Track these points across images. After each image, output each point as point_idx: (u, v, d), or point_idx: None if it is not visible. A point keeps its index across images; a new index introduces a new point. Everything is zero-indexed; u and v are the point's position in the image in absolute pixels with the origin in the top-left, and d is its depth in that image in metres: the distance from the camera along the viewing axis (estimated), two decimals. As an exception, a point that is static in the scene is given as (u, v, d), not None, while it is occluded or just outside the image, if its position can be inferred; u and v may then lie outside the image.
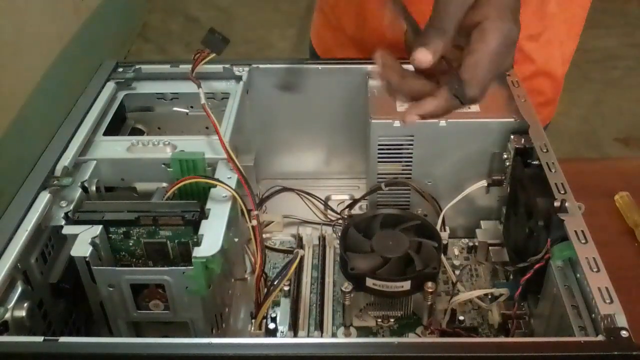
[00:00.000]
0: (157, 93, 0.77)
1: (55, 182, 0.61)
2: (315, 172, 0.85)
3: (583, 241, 0.56)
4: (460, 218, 0.76)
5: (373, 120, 0.71)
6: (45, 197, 0.60)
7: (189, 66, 0.72)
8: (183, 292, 0.57)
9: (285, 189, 0.81)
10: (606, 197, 0.83)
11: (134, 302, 0.58)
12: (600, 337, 0.48)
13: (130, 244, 0.60)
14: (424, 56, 0.53)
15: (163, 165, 0.66)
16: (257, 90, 0.80)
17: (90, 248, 0.56)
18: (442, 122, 0.71)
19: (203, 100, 0.69)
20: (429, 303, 0.63)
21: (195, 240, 0.58)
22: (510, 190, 0.70)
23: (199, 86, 0.70)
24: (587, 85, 2.60)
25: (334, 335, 0.64)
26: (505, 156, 0.70)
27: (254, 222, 0.61)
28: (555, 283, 0.57)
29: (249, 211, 0.61)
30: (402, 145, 0.73)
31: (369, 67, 0.78)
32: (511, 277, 0.67)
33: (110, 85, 0.76)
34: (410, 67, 0.55)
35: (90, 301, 0.60)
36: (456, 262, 0.73)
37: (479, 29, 0.54)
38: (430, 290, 0.61)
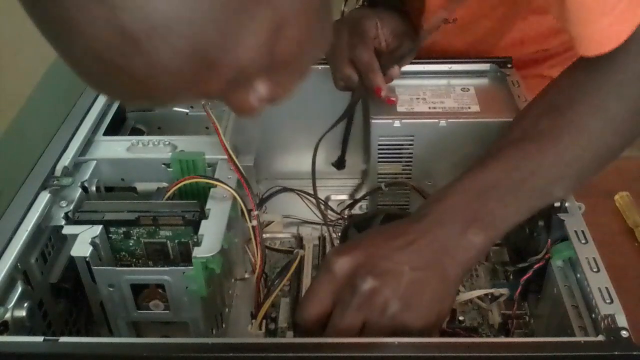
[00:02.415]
0: (157, 93, 0.77)
1: (55, 182, 0.61)
2: (316, 172, 0.84)
3: (583, 241, 0.56)
4: (460, 218, 0.76)
5: (373, 120, 0.71)
6: (45, 197, 0.60)
7: (189, 66, 0.72)
8: (183, 292, 0.57)
9: (285, 189, 0.81)
10: (606, 197, 0.83)
11: (134, 302, 0.58)
12: (601, 337, 0.48)
13: (131, 244, 0.60)
14: (398, 73, 0.71)
15: (163, 165, 0.66)
16: (257, 90, 0.79)
17: (91, 248, 0.56)
18: (442, 122, 0.71)
19: (203, 100, 0.69)
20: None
21: (195, 240, 0.58)
22: (510, 190, 0.70)
23: (199, 86, 0.70)
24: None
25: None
26: (505, 156, 0.70)
27: (254, 222, 0.61)
28: (556, 283, 0.57)
29: (249, 211, 0.61)
30: (402, 145, 0.73)
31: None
32: (511, 277, 0.67)
33: (110, 85, 0.75)
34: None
35: (90, 301, 0.60)
36: (456, 262, 0.72)
37: None
38: (430, 290, 0.61)
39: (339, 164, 0.81)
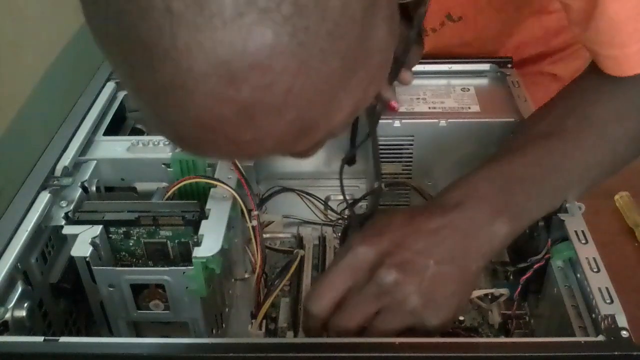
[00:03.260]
0: (157, 93, 0.77)
1: (55, 182, 0.62)
2: (315, 172, 0.84)
3: (583, 241, 0.56)
4: (460, 218, 0.76)
5: (373, 120, 0.71)
6: (45, 197, 0.60)
7: (189, 66, 0.72)
8: (183, 292, 0.57)
9: (285, 189, 0.81)
10: (606, 197, 0.83)
11: (134, 302, 0.58)
12: (601, 337, 0.48)
13: (131, 244, 0.60)
14: (410, 77, 0.69)
15: (163, 165, 0.66)
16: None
17: (91, 248, 0.56)
18: (442, 122, 0.71)
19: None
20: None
21: (195, 240, 0.58)
22: (510, 190, 0.70)
23: (199, 86, 0.70)
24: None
25: (334, 335, 0.64)
26: (505, 156, 0.70)
27: (254, 222, 0.61)
28: (556, 283, 0.57)
29: (249, 211, 0.61)
30: (402, 145, 0.73)
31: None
32: (511, 277, 0.67)
33: (111, 85, 0.76)
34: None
35: (90, 301, 0.60)
36: (456, 262, 0.72)
37: None
38: (430, 290, 0.61)
39: (350, 160, 0.80)
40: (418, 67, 0.78)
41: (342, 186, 0.72)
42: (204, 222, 0.58)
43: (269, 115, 0.35)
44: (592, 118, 0.58)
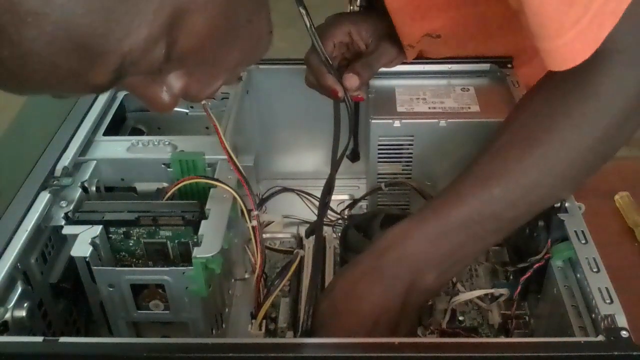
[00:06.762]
0: (157, 93, 0.77)
1: (55, 182, 0.62)
2: (315, 172, 0.84)
3: (583, 241, 0.56)
4: (460, 218, 0.76)
5: (373, 120, 0.71)
6: (45, 197, 0.60)
7: (189, 66, 0.72)
8: (183, 292, 0.57)
9: (285, 189, 0.81)
10: (606, 197, 0.83)
11: (134, 302, 0.58)
12: (600, 337, 0.48)
13: (130, 244, 0.60)
14: (355, 82, 0.67)
15: (163, 165, 0.66)
16: (257, 90, 0.80)
17: (90, 248, 0.56)
18: (442, 122, 0.71)
19: (203, 101, 0.69)
20: (429, 303, 0.63)
21: (195, 240, 0.58)
22: (510, 190, 0.70)
23: (199, 86, 0.70)
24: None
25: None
26: (505, 156, 0.70)
27: (254, 222, 0.61)
28: (556, 283, 0.57)
29: (249, 211, 0.61)
30: (402, 145, 0.73)
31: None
32: (511, 277, 0.67)
33: (111, 85, 0.75)
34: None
35: (90, 301, 0.60)
36: (456, 262, 0.72)
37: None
38: (430, 290, 0.61)
39: (354, 156, 0.80)
40: (418, 67, 0.78)
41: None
42: (204, 222, 0.58)
43: (22, 29, 0.32)
44: (534, 150, 0.55)
